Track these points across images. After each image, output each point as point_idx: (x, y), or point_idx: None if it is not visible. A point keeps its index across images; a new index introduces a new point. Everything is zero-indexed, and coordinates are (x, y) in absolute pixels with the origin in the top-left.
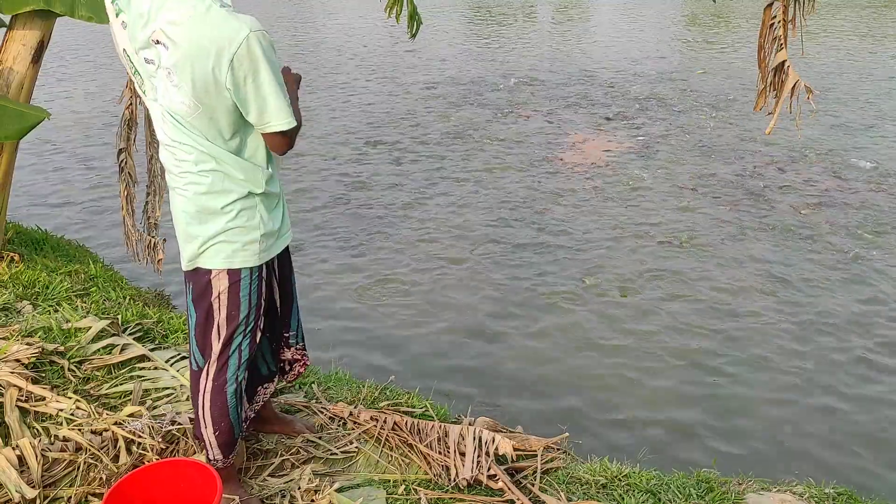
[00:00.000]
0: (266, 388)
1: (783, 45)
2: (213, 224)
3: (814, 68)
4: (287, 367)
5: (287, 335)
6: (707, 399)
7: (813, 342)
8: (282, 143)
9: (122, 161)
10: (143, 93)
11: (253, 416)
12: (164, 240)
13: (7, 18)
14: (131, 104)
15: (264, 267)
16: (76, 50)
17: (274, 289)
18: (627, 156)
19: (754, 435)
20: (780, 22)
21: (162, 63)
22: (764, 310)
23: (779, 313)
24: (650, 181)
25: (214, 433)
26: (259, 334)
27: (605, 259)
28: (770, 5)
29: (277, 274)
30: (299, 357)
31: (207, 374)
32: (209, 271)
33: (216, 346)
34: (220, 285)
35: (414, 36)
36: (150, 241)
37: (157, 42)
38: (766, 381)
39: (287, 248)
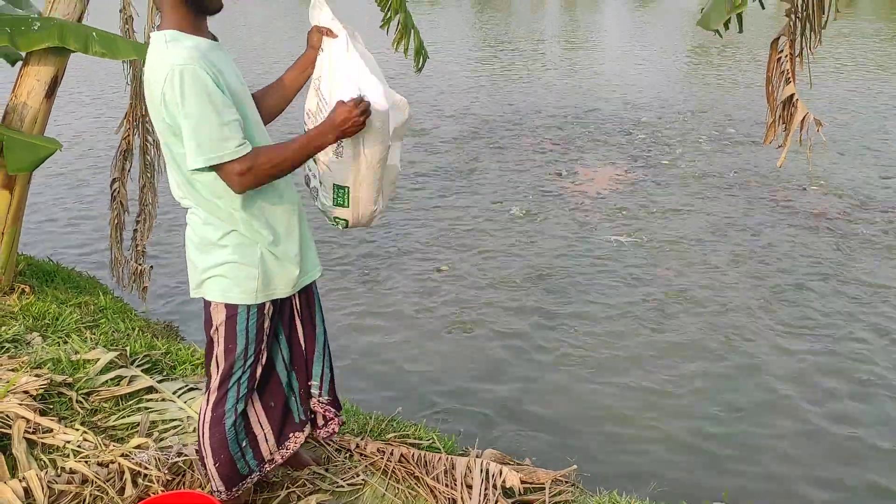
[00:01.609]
0: (297, 436)
1: (791, 79)
2: (212, 255)
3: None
4: (321, 422)
5: (310, 383)
6: (721, 433)
7: (834, 376)
8: (235, 183)
9: (115, 190)
10: None
11: (281, 461)
12: (151, 267)
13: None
14: (128, 135)
15: (269, 304)
16: (88, 83)
17: (295, 328)
18: (634, 186)
19: (767, 470)
20: (786, 56)
21: None
22: (780, 345)
23: (797, 348)
24: (652, 212)
25: (215, 464)
26: (260, 368)
27: (611, 289)
28: (776, 40)
29: (301, 312)
30: (324, 412)
31: (207, 404)
32: (209, 302)
33: (215, 377)
34: (218, 318)
35: (420, 70)
36: (137, 268)
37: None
38: (781, 417)
39: (313, 286)
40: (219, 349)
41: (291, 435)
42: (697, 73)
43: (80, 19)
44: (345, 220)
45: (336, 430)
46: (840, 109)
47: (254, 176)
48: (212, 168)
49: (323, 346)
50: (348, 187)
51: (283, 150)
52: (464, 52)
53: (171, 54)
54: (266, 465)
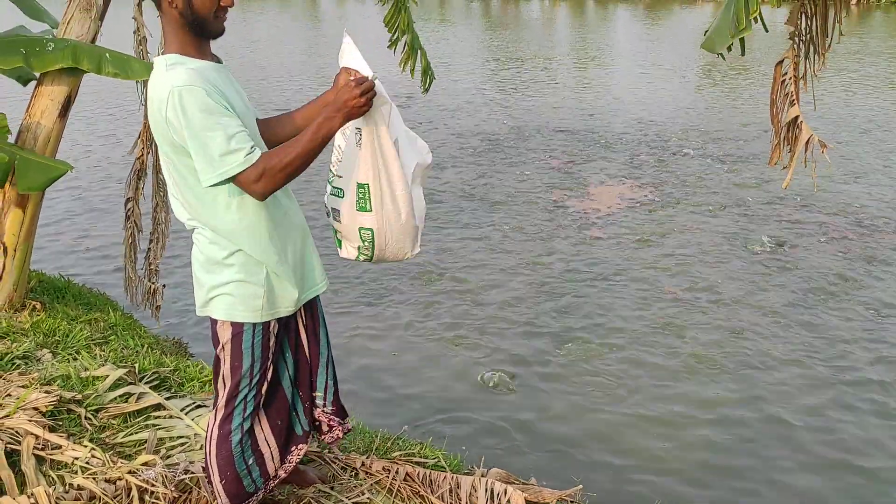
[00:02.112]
0: (299, 449)
1: (795, 101)
2: (218, 275)
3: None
4: (325, 428)
5: (314, 394)
6: (727, 457)
7: (834, 391)
8: (255, 189)
9: (129, 209)
10: None
11: (285, 476)
12: (164, 286)
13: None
14: (142, 155)
15: (274, 322)
16: (100, 101)
17: (301, 342)
18: (643, 204)
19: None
20: (790, 78)
21: None
22: (796, 373)
23: (808, 369)
24: (661, 231)
25: (221, 481)
26: (265, 386)
27: (625, 309)
28: (780, 62)
29: (306, 326)
30: (328, 421)
31: (214, 421)
32: (216, 320)
33: (222, 395)
34: (224, 336)
35: (426, 90)
36: (151, 286)
37: None
38: (792, 450)
39: (317, 301)
40: (225, 367)
41: (294, 448)
42: (708, 91)
43: (93, 40)
44: (370, 233)
45: (341, 435)
46: (847, 128)
47: (269, 179)
48: (227, 181)
49: (327, 358)
50: (368, 184)
51: (292, 146)
52: (474, 69)
53: (171, 77)
54: (271, 482)
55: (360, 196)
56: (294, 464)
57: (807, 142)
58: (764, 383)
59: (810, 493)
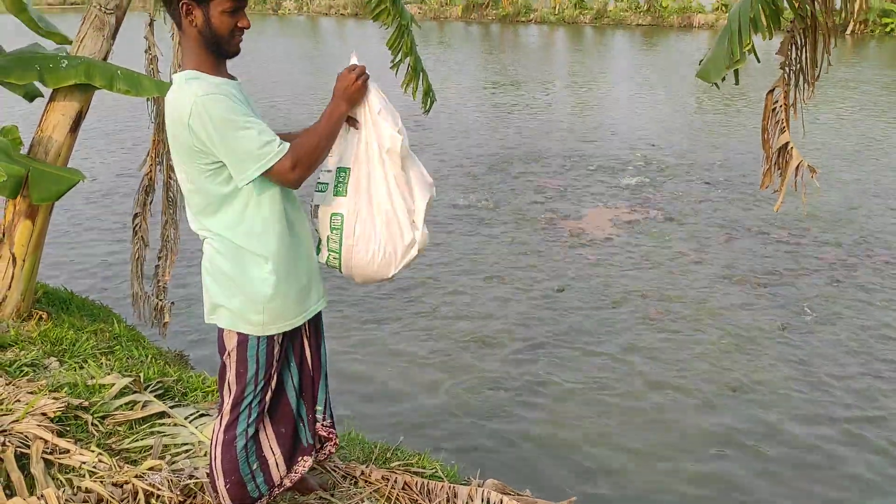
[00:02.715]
0: (306, 460)
1: (786, 128)
2: (223, 286)
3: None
4: (318, 446)
5: (316, 408)
6: (719, 473)
7: (825, 413)
8: (287, 178)
9: (136, 225)
10: None
11: (290, 484)
12: (173, 303)
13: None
14: (150, 171)
15: (279, 333)
16: (107, 117)
17: (305, 354)
18: (636, 227)
19: None
20: (781, 106)
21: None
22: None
23: (796, 381)
24: (654, 254)
25: (225, 485)
26: (270, 393)
27: (626, 323)
28: (772, 91)
29: (310, 339)
30: (326, 434)
31: (220, 426)
32: (222, 328)
33: (227, 401)
34: (230, 343)
35: (427, 112)
36: (158, 304)
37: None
38: (774, 456)
39: (319, 318)
40: (231, 373)
41: (301, 459)
42: (703, 116)
43: (105, 58)
44: (340, 218)
45: (333, 450)
46: (838, 155)
47: (303, 165)
48: (263, 174)
49: (325, 371)
50: (349, 168)
51: (313, 132)
52: (471, 91)
53: (192, 88)
54: (276, 490)
55: (340, 180)
56: (300, 474)
57: (797, 167)
58: (756, 406)
59: None
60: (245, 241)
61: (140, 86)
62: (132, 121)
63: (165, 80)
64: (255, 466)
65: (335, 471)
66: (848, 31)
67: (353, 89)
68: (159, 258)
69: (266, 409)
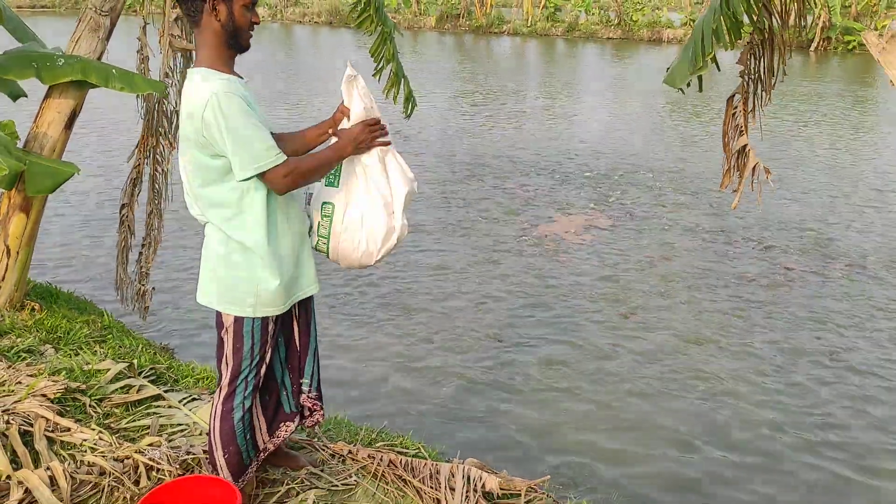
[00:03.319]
0: (287, 426)
1: (744, 132)
2: (219, 270)
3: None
4: (306, 413)
5: (301, 381)
6: (686, 460)
7: (792, 417)
8: (280, 184)
9: (123, 215)
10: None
11: (273, 448)
12: (154, 288)
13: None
14: (139, 164)
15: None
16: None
17: (293, 332)
18: (606, 233)
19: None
20: (740, 111)
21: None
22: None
23: (759, 376)
24: (622, 259)
25: (224, 455)
26: (264, 367)
27: (595, 322)
28: (732, 97)
29: (299, 319)
30: (311, 405)
31: (218, 399)
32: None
33: (225, 375)
34: (227, 321)
35: (409, 116)
36: (141, 288)
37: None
38: (739, 447)
39: (310, 300)
40: (228, 349)
41: (283, 425)
42: (671, 126)
43: (99, 59)
44: (330, 207)
45: (321, 420)
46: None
47: (293, 178)
48: (259, 175)
49: (314, 349)
50: (342, 163)
51: (314, 158)
52: (444, 99)
53: (209, 84)
54: (261, 454)
55: (333, 173)
56: (282, 438)
57: (753, 168)
58: (712, 396)
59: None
60: (239, 233)
61: (134, 83)
62: (120, 116)
63: (157, 79)
64: (248, 436)
65: (324, 450)
66: (812, 48)
67: (363, 145)
68: (143, 246)
69: (259, 383)
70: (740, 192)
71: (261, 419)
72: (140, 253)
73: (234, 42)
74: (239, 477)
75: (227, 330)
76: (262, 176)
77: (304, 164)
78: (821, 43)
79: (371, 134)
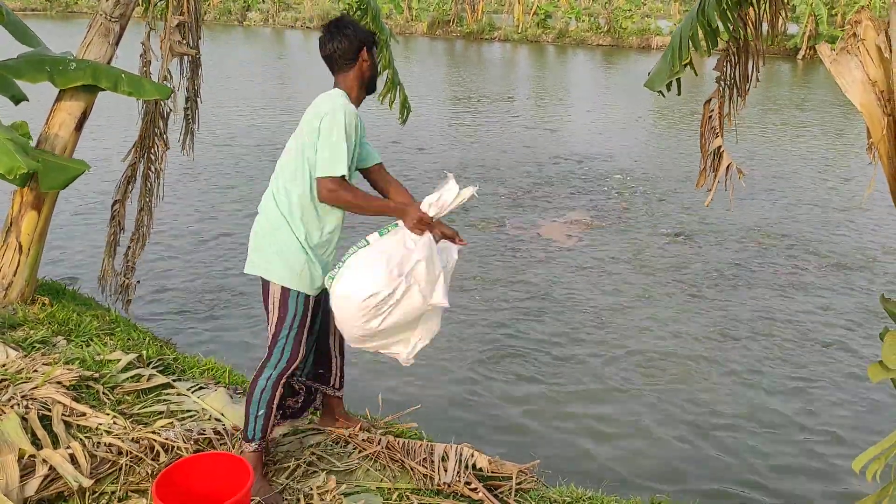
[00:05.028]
0: (321, 387)
1: (719, 134)
2: (274, 246)
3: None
4: (337, 385)
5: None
6: (671, 445)
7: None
8: (324, 191)
9: (115, 210)
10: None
11: (298, 408)
12: (138, 282)
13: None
14: (134, 163)
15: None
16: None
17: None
18: (592, 238)
19: (704, 475)
20: (716, 114)
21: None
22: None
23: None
24: (611, 262)
25: (258, 412)
26: (305, 335)
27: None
28: (709, 101)
29: (323, 304)
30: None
31: (262, 361)
32: (267, 281)
33: (270, 340)
34: (276, 291)
35: (404, 122)
36: (125, 282)
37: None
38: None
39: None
40: (273, 315)
41: (314, 387)
42: (657, 132)
43: (109, 62)
44: (362, 244)
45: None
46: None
47: (336, 195)
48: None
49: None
50: (367, 243)
51: (365, 198)
52: (433, 105)
53: (342, 102)
54: (263, 442)
55: (388, 229)
56: (275, 434)
57: (727, 168)
58: (687, 388)
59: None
60: (306, 220)
61: (142, 88)
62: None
63: (158, 83)
64: (260, 412)
65: (328, 434)
66: (799, 57)
67: (416, 228)
68: (131, 241)
69: (298, 353)
70: (713, 190)
71: (277, 414)
72: (128, 248)
73: (369, 86)
74: (266, 434)
75: (274, 299)
76: (318, 179)
77: (351, 192)
78: (808, 51)
79: (419, 225)
